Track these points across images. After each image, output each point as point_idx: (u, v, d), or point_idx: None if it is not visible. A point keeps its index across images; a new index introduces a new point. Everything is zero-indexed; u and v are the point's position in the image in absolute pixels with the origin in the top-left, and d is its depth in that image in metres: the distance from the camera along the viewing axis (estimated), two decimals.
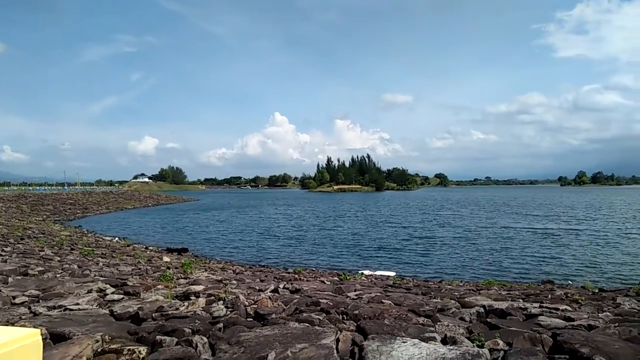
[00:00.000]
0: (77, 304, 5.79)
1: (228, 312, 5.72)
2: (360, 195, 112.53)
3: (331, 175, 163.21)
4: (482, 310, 6.15)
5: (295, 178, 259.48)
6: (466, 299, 7.10)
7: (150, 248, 19.57)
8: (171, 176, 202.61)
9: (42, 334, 3.77)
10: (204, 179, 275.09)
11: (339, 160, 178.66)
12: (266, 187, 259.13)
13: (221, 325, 5.18)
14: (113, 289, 6.98)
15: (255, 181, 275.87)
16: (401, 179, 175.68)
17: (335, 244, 21.87)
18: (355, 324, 5.29)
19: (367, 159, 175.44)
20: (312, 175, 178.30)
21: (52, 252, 12.93)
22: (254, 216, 39.44)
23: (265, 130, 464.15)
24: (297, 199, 77.88)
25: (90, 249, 15.22)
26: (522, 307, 6.30)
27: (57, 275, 8.24)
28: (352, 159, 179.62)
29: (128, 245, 19.27)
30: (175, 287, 7.59)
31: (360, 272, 13.95)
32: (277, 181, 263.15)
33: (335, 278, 11.60)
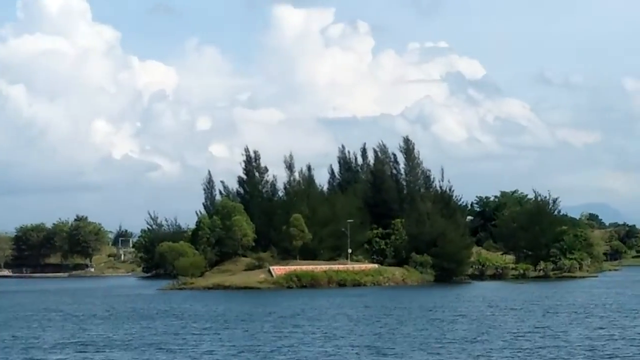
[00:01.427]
0: None
1: None
2: (378, 299, 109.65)
3: (264, 223, 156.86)
4: None
5: (124, 237, 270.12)
6: None
7: None
8: None
9: None
10: None
11: (290, 167, 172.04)
12: None
13: None
14: None
15: None
16: (537, 237, 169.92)
17: None
18: None
19: (401, 157, 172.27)
20: (190, 225, 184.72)
21: None
22: None
23: None
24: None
25: None
26: None
27: None
28: (345, 160, 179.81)
29: None
30: None
31: None
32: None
33: None
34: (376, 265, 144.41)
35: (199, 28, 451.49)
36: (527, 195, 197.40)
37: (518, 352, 45.84)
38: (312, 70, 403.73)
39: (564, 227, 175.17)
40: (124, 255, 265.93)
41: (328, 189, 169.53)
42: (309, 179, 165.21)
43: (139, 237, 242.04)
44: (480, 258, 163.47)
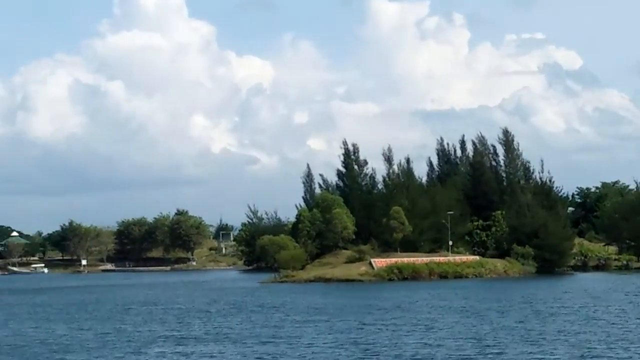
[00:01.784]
0: None
1: None
2: (479, 291, 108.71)
3: (364, 215, 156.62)
4: None
5: (225, 230, 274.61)
6: None
7: None
8: None
9: None
10: None
11: (389, 160, 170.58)
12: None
13: None
14: None
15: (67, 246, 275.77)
16: None
17: None
18: None
19: (500, 149, 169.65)
20: (290, 218, 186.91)
21: None
22: None
23: (98, 45, 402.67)
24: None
25: None
26: None
27: None
28: (443, 152, 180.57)
29: None
30: None
31: None
32: (142, 250, 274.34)
33: None
34: (477, 257, 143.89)
35: (295, 22, 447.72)
36: (628, 185, 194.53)
37: (620, 343, 45.14)
38: (408, 63, 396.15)
39: None
40: (225, 248, 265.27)
41: (427, 181, 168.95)
42: (407, 172, 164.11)
43: (239, 230, 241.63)
44: (582, 249, 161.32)
